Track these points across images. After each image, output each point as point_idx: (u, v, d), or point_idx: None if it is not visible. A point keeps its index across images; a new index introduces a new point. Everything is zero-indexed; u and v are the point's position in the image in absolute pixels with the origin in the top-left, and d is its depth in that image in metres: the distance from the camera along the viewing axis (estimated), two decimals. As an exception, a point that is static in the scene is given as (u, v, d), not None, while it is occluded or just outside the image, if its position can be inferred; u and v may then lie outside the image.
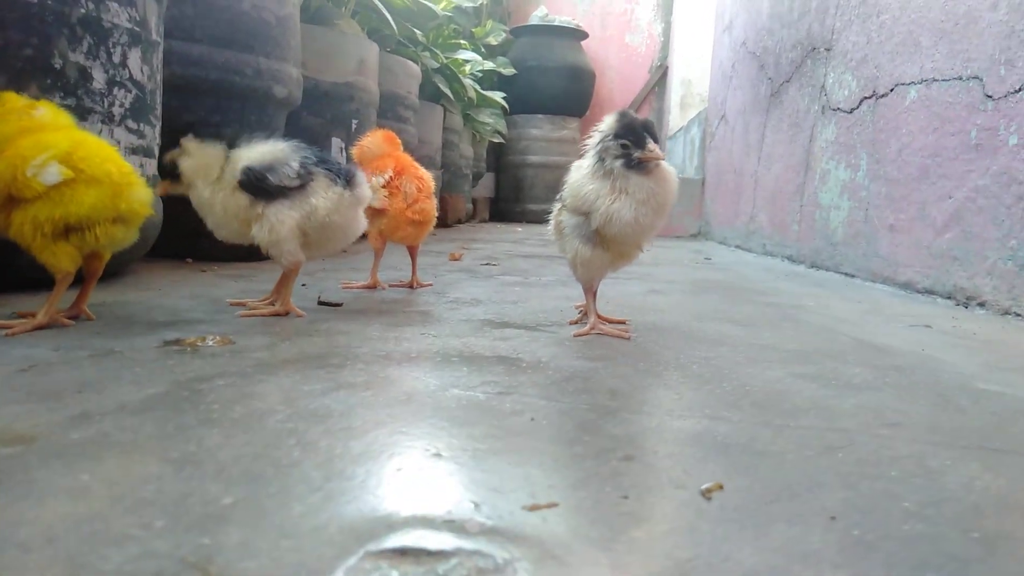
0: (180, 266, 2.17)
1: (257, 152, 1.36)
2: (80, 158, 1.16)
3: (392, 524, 0.54)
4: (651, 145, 1.26)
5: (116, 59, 1.57)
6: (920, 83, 2.24)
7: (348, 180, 1.38)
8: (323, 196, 1.35)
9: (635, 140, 1.26)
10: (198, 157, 1.36)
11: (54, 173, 1.13)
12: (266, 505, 0.57)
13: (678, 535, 0.55)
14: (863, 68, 2.65)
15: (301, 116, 2.86)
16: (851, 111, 2.74)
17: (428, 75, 4.66)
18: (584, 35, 7.82)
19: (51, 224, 1.15)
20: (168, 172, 1.39)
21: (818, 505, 0.61)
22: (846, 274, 2.69)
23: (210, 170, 1.36)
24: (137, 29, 1.62)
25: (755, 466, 0.70)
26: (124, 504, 0.56)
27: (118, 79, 1.58)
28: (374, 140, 1.85)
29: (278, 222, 1.34)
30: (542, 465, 0.68)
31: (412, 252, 1.94)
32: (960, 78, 2.02)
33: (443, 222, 5.20)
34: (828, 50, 3.00)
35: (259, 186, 1.33)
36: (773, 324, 1.57)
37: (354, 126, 3.13)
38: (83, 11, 1.47)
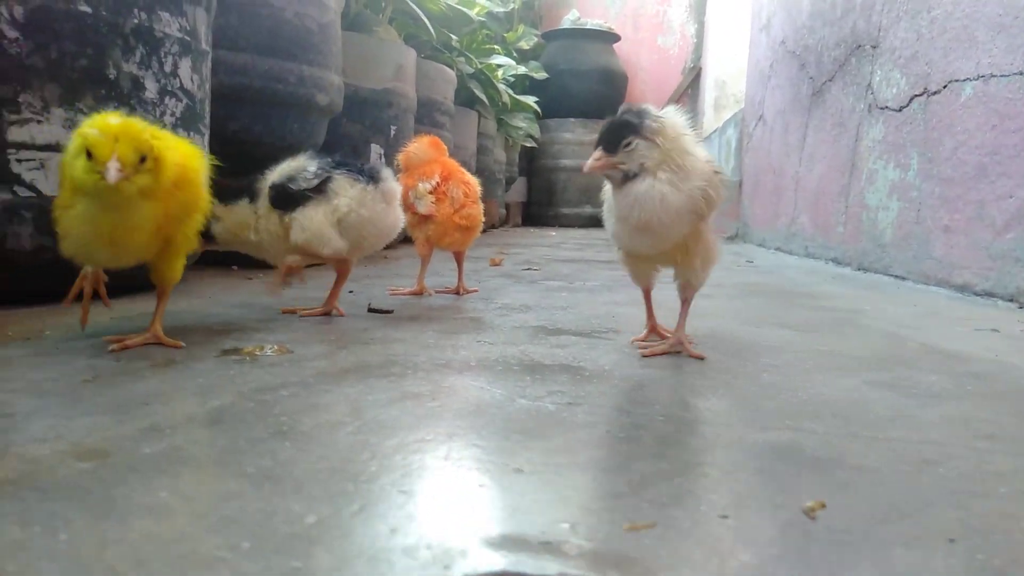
0: (227, 273, 2.18)
1: (277, 171, 1.41)
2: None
3: (485, 545, 0.52)
4: (596, 154, 1.06)
5: (167, 68, 1.57)
6: (976, 79, 2.16)
7: (372, 177, 1.40)
8: (345, 194, 1.37)
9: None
10: (227, 219, 1.40)
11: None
12: (351, 524, 0.55)
13: (791, 559, 0.52)
14: (913, 65, 2.58)
15: (341, 123, 2.87)
16: (900, 109, 2.67)
17: (463, 80, 4.65)
18: (616, 38, 7.77)
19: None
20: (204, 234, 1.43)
21: (932, 526, 0.57)
22: (896, 276, 2.61)
23: (246, 221, 1.40)
24: (187, 39, 1.63)
25: (853, 482, 0.66)
26: (207, 523, 0.54)
27: (169, 88, 1.59)
28: (420, 146, 1.83)
29: (307, 219, 1.36)
30: (629, 481, 0.65)
31: (459, 258, 1.92)
32: (1020, 73, 1.95)
33: (477, 227, 5.19)
34: (875, 47, 2.93)
35: (285, 196, 1.37)
36: (832, 329, 1.52)
37: (392, 132, 3.13)
38: (136, 21, 1.48)
